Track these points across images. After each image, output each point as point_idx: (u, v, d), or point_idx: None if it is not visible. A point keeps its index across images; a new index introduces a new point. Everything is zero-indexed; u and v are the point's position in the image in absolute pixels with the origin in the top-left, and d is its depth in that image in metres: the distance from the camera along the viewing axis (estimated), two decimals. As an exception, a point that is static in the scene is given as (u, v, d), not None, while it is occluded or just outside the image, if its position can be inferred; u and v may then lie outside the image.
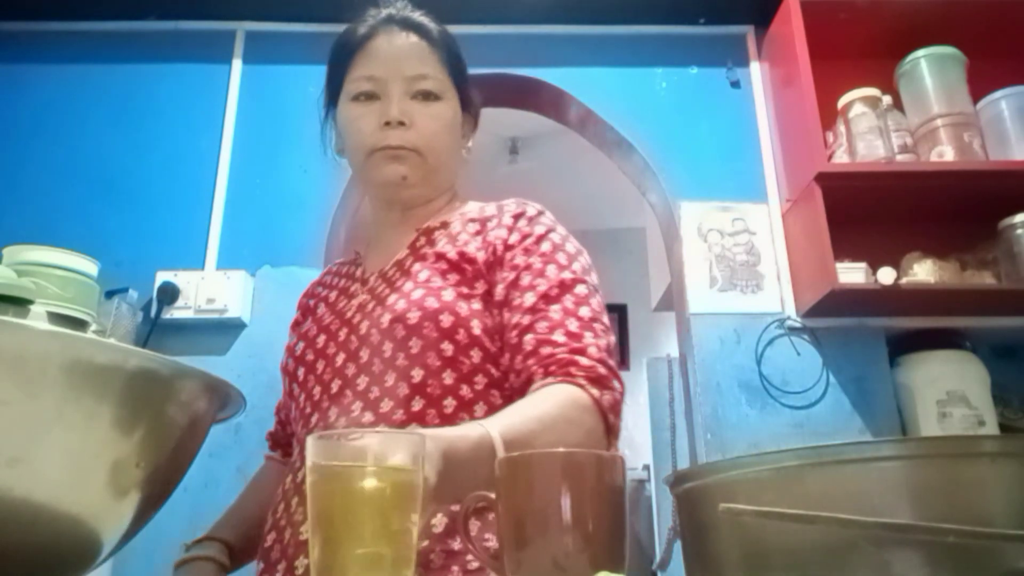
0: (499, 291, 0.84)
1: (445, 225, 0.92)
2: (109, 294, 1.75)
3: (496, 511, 0.55)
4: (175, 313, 1.85)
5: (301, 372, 0.88)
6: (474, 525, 0.73)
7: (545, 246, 0.86)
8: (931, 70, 1.92)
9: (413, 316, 0.80)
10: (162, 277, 1.87)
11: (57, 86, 2.12)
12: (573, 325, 0.80)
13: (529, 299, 0.82)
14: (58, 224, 1.92)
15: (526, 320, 0.81)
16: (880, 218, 1.91)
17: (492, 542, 0.67)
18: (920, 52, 1.93)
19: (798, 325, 1.91)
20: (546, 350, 0.78)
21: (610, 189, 3.06)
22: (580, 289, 0.83)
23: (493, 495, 0.55)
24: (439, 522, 0.73)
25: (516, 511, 0.53)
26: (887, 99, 1.91)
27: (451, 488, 0.59)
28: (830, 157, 1.91)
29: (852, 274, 1.78)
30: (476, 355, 0.81)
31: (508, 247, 0.86)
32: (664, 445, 2.81)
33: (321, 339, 0.88)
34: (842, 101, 1.89)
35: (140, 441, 0.49)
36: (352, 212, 2.14)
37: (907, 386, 1.84)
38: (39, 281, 1.31)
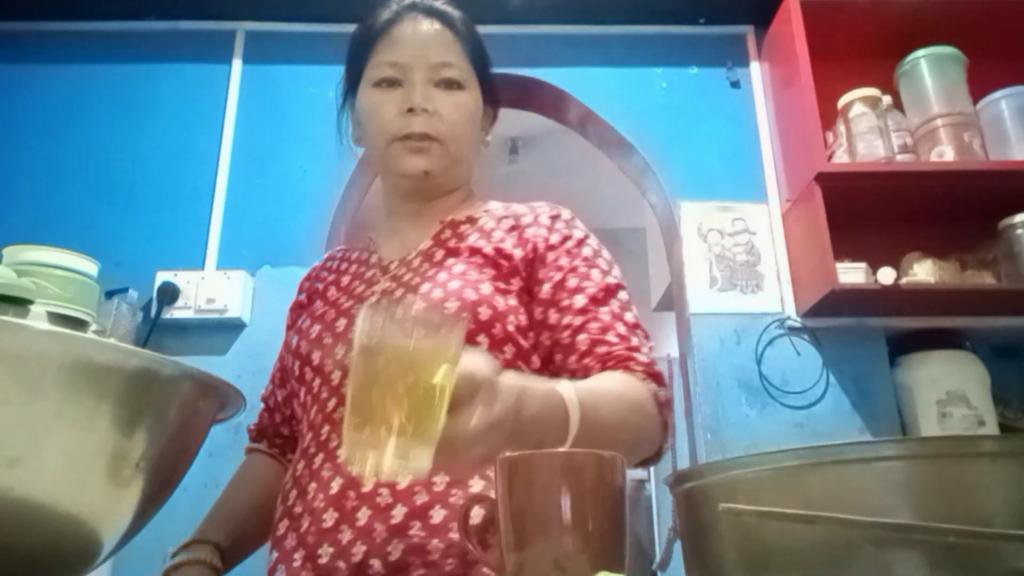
0: (545, 290, 0.84)
1: (472, 220, 0.92)
2: (109, 294, 1.75)
3: (496, 511, 0.55)
4: (175, 313, 1.85)
5: (317, 356, 0.86)
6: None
7: (586, 251, 0.88)
8: (931, 70, 1.92)
9: (451, 306, 0.80)
10: (162, 277, 1.87)
11: (57, 86, 2.12)
12: (622, 328, 0.82)
13: (579, 301, 0.83)
14: (58, 224, 1.92)
15: (578, 321, 0.82)
16: (880, 218, 1.91)
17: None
18: (920, 52, 1.93)
19: (798, 325, 1.91)
20: (602, 349, 0.80)
21: (610, 189, 3.06)
22: (622, 295, 0.86)
23: (493, 495, 0.55)
24: (399, 513, 0.73)
25: (516, 511, 0.53)
26: (887, 99, 1.91)
27: (520, 427, 0.59)
28: (830, 157, 1.91)
29: (852, 274, 1.78)
30: (509, 351, 0.81)
31: (550, 247, 0.87)
32: (664, 445, 2.80)
33: (341, 323, 0.86)
34: (842, 101, 1.89)
35: (140, 441, 0.49)
36: (352, 212, 2.14)
37: (907, 386, 1.84)
38: (39, 281, 1.31)
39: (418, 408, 0.51)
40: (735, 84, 2.17)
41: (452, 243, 0.89)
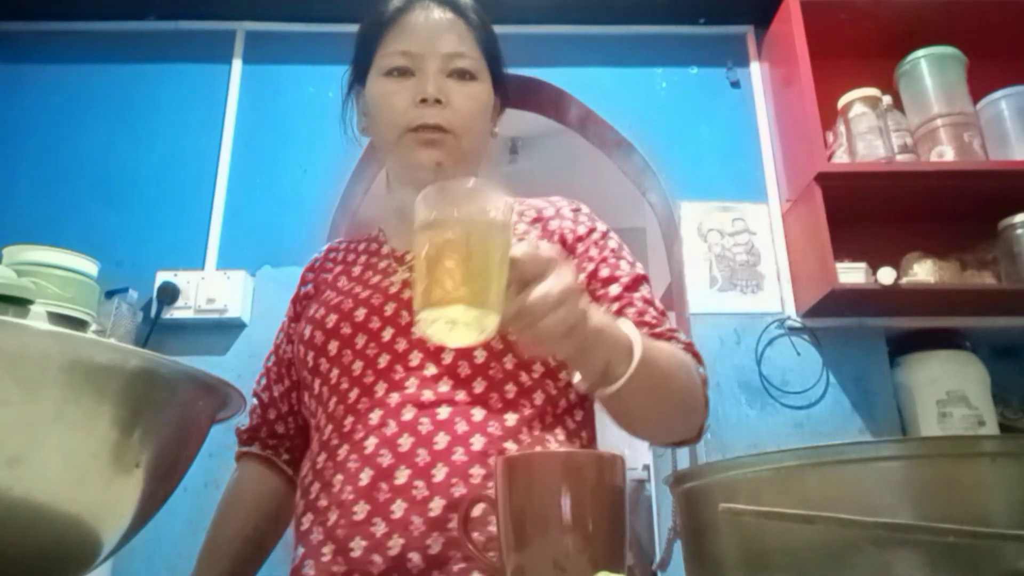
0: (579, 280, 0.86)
1: None
2: (109, 294, 1.75)
3: (496, 511, 0.55)
4: (175, 313, 1.85)
5: (334, 346, 0.83)
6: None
7: (612, 243, 0.90)
8: (931, 70, 1.92)
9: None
10: (162, 277, 1.87)
11: (57, 86, 2.12)
12: (655, 313, 0.85)
13: (614, 289, 0.85)
14: (58, 224, 1.92)
15: (615, 307, 0.84)
16: (880, 218, 1.91)
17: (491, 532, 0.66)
18: (920, 52, 1.93)
19: (798, 325, 1.91)
20: (643, 329, 0.80)
21: (610, 189, 3.06)
22: (648, 285, 0.88)
23: (493, 495, 0.55)
24: (437, 505, 0.72)
25: (516, 511, 0.53)
26: (887, 99, 1.91)
27: (588, 333, 0.60)
28: (830, 157, 1.91)
29: (852, 274, 1.78)
30: None
31: (579, 238, 0.89)
32: (664, 445, 2.80)
33: (361, 312, 0.84)
34: (842, 101, 1.89)
35: (140, 441, 0.49)
36: (352, 212, 2.14)
37: (907, 386, 1.84)
38: (39, 281, 1.31)
39: (483, 273, 0.53)
40: (735, 84, 2.17)
41: None
